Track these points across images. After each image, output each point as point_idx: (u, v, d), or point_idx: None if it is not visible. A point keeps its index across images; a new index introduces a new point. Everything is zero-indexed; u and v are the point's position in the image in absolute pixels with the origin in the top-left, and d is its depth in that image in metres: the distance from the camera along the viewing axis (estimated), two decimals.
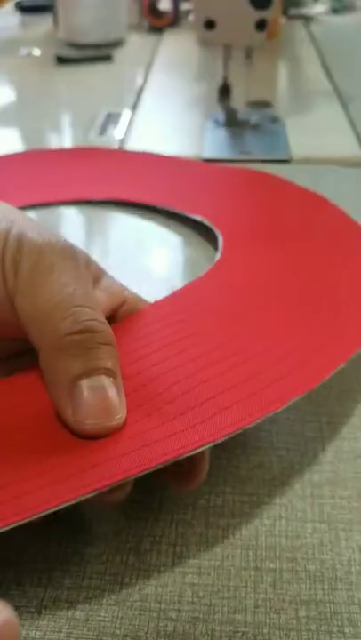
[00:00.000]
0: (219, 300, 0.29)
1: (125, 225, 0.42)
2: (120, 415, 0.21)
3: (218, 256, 0.34)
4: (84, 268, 0.24)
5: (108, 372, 0.21)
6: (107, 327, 0.22)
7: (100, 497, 0.20)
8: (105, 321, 0.22)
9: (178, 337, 0.26)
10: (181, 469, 0.22)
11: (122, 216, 0.43)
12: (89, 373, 0.21)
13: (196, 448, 0.20)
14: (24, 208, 0.42)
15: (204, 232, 0.41)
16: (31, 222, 0.24)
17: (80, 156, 0.50)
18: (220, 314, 0.28)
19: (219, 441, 0.21)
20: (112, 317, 0.27)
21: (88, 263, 0.25)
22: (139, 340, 0.25)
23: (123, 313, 0.27)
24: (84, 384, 0.20)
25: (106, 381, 0.21)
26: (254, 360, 0.25)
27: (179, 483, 0.23)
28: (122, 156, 0.50)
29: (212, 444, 0.21)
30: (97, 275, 0.26)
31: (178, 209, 0.41)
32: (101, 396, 0.21)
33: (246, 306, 0.29)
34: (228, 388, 0.23)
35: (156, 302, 0.29)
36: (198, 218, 0.40)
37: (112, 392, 0.21)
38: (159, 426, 0.21)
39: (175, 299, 0.29)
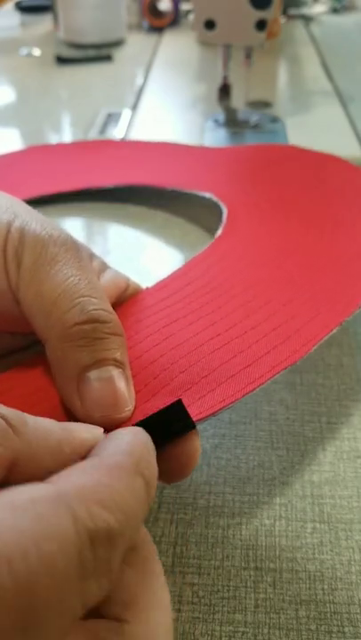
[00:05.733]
0: (214, 275, 0.29)
1: (126, 221, 0.42)
2: (129, 407, 0.21)
3: (219, 232, 0.33)
4: (88, 260, 0.24)
5: (117, 363, 0.21)
6: (114, 317, 0.22)
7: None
8: (112, 311, 0.22)
9: (165, 322, 0.25)
10: (169, 464, 0.21)
11: (122, 212, 0.43)
12: (97, 364, 0.20)
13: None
14: (29, 201, 0.42)
15: (207, 223, 0.41)
16: (34, 215, 0.23)
17: (82, 148, 0.50)
18: (214, 291, 0.28)
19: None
20: (114, 304, 0.26)
21: (91, 256, 0.25)
22: (129, 329, 0.25)
23: (124, 298, 0.27)
24: (93, 375, 0.20)
25: (114, 372, 0.21)
26: (238, 340, 0.24)
27: (165, 476, 0.21)
28: (123, 146, 0.50)
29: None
30: (100, 268, 0.26)
31: (184, 189, 0.41)
32: (110, 388, 0.20)
33: (242, 280, 0.29)
34: (210, 371, 0.23)
35: (148, 288, 0.28)
36: (206, 194, 0.39)
37: (121, 383, 0.21)
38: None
39: (170, 281, 0.29)
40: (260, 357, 0.23)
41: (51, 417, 0.21)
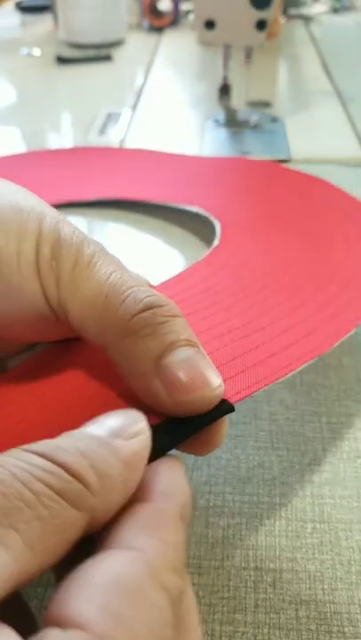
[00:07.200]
0: (218, 281, 0.29)
1: (122, 228, 0.42)
2: (219, 383, 0.19)
3: (216, 243, 0.33)
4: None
5: (190, 343, 0.19)
6: (169, 301, 0.20)
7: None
8: (164, 297, 0.20)
9: None
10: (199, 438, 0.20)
11: (117, 219, 0.43)
12: (170, 348, 0.19)
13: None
14: None
15: (202, 233, 0.41)
16: (57, 215, 0.22)
17: (71, 156, 0.49)
18: (220, 293, 0.27)
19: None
20: None
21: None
22: None
23: None
24: (170, 360, 0.19)
25: (190, 352, 0.19)
26: (258, 334, 0.24)
27: (192, 447, 0.21)
28: (113, 155, 0.49)
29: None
30: None
31: (173, 203, 0.41)
32: (193, 367, 0.19)
33: (248, 285, 0.28)
34: (235, 357, 0.22)
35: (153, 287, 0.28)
36: (195, 209, 0.39)
37: (202, 361, 0.19)
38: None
39: (174, 283, 0.28)
40: (286, 348, 0.23)
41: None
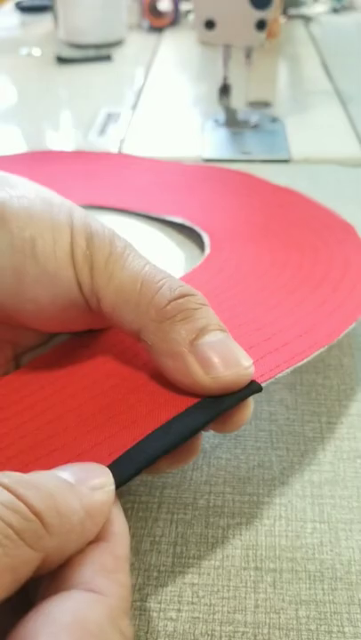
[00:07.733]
0: (218, 284, 0.29)
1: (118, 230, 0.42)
2: (250, 363, 0.21)
3: (207, 251, 0.34)
4: None
5: (220, 328, 0.21)
6: (198, 292, 0.22)
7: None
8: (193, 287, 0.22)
9: None
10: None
11: (109, 222, 0.43)
12: (203, 331, 0.20)
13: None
14: None
15: (193, 236, 0.41)
16: (83, 211, 0.23)
17: (59, 159, 0.49)
18: (221, 295, 0.28)
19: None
20: None
21: None
22: None
23: None
24: (205, 341, 0.20)
25: (222, 335, 0.21)
26: (267, 327, 0.25)
27: (221, 425, 0.22)
28: (97, 159, 0.49)
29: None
30: None
31: (157, 213, 0.41)
32: (227, 347, 0.20)
33: (247, 287, 0.29)
34: (251, 347, 0.23)
35: None
36: (180, 220, 0.39)
37: (233, 344, 0.21)
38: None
39: None
40: (296, 338, 0.24)
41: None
